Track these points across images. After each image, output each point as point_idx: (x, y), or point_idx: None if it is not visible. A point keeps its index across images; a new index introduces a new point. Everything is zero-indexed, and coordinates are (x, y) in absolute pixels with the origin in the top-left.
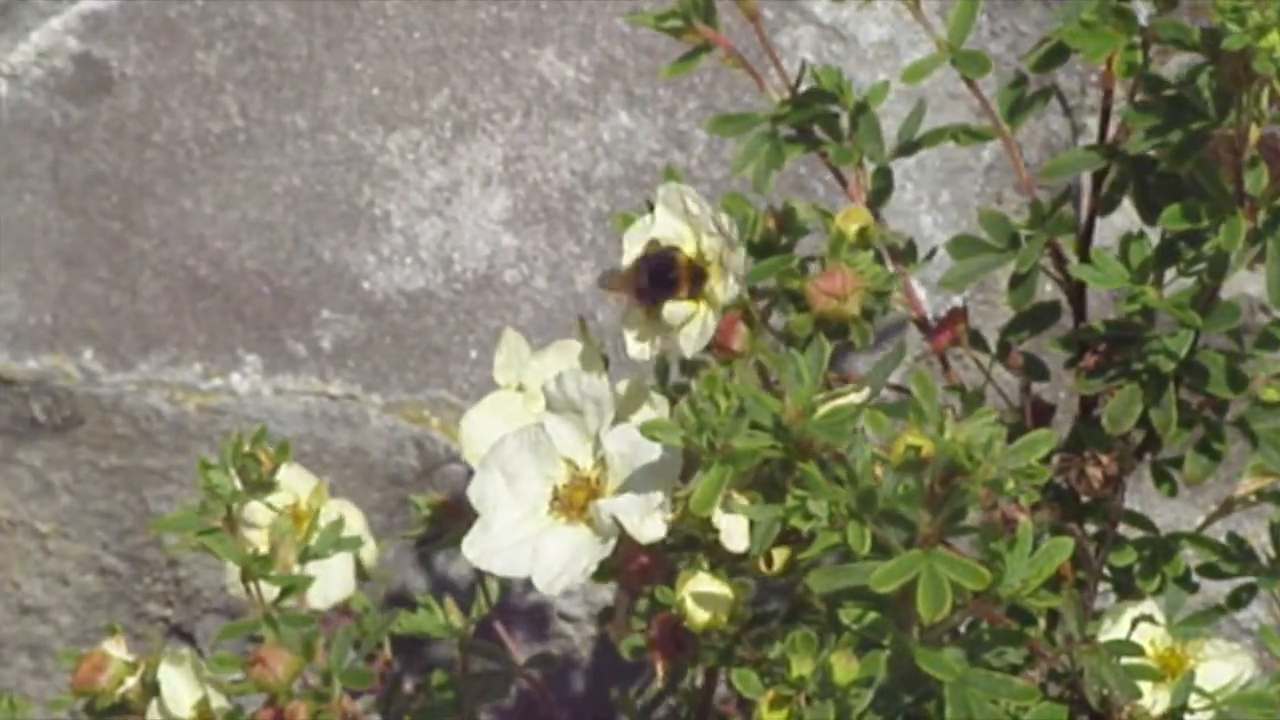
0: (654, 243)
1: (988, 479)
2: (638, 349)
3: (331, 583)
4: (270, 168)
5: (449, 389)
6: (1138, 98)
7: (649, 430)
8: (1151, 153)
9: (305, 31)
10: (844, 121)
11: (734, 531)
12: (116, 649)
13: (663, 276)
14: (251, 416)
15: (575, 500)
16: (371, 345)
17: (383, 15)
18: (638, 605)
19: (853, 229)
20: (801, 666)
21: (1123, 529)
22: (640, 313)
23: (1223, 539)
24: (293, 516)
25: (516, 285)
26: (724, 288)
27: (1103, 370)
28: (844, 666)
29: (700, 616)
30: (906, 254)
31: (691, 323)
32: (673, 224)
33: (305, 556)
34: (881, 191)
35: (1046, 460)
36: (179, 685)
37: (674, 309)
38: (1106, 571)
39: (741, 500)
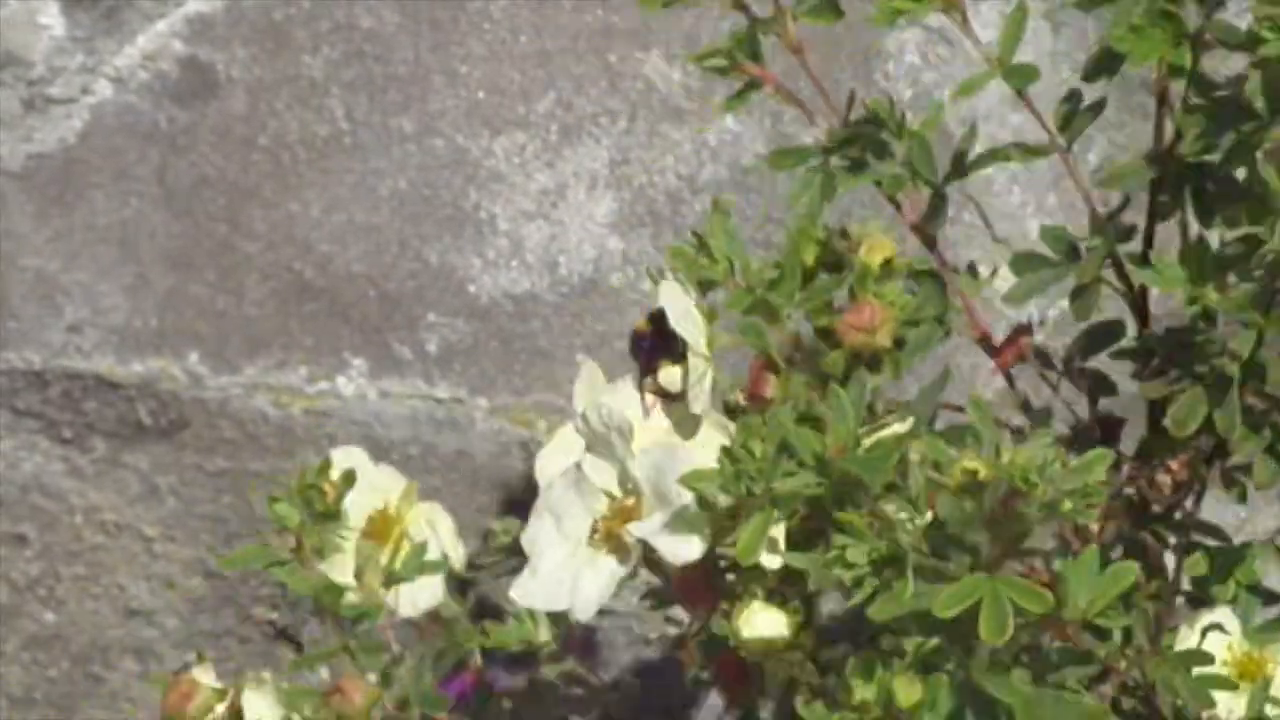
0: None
1: (1045, 501)
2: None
3: (421, 590)
4: (376, 171)
5: (555, 392)
6: (1189, 101)
7: (687, 481)
8: (1206, 157)
9: (411, 35)
10: (896, 147)
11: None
12: (205, 676)
13: (647, 346)
14: (357, 420)
15: (613, 530)
16: (478, 348)
17: (488, 19)
18: (699, 631)
19: (877, 260)
20: (864, 691)
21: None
22: (660, 403)
23: None
24: (381, 520)
25: (622, 288)
26: (699, 340)
27: (1165, 373)
28: (906, 690)
29: (756, 647)
30: (967, 276)
31: (693, 381)
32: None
33: (391, 581)
34: (934, 213)
35: (1116, 468)
36: (262, 710)
37: (669, 374)
38: (1184, 583)
39: (778, 537)
